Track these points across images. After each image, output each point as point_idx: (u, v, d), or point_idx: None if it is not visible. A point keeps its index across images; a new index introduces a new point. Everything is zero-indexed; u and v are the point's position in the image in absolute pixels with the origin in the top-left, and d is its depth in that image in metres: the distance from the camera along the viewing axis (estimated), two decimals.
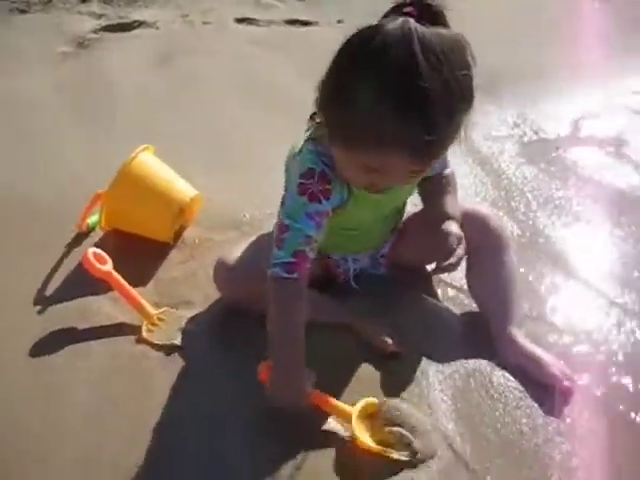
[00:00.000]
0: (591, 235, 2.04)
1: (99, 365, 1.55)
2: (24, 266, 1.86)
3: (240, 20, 3.43)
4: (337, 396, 1.41)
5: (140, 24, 3.28)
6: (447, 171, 1.63)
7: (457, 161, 2.21)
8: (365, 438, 1.33)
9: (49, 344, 1.61)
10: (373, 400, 1.39)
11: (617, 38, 3.17)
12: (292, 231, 1.38)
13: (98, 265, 1.67)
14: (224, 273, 1.62)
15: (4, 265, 1.86)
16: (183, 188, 1.93)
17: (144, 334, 1.62)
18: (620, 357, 1.59)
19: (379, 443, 1.32)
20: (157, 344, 1.60)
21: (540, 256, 1.91)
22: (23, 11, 3.42)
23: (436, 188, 1.58)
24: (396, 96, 1.15)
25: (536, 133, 2.57)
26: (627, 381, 1.54)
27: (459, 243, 1.45)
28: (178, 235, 1.94)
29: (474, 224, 1.58)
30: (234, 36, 3.28)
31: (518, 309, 1.62)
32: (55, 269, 1.84)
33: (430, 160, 1.29)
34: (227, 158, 2.30)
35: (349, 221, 1.53)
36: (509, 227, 2.01)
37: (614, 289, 1.80)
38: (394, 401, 1.40)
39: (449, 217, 1.51)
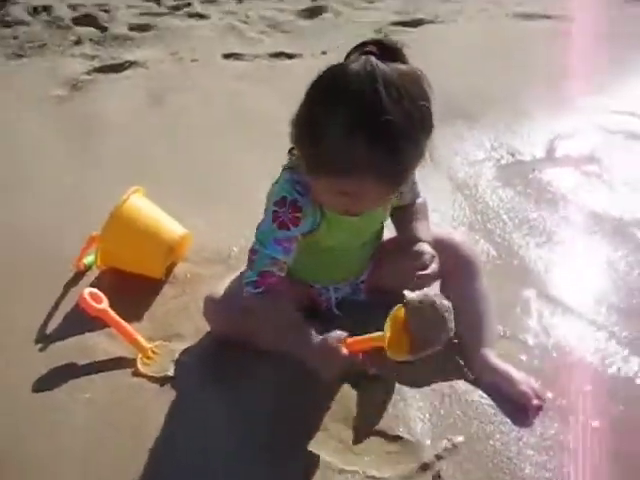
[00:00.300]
0: (565, 255, 2.10)
1: (99, 399, 1.62)
2: (25, 306, 1.92)
3: (227, 55, 3.52)
4: (313, 414, 1.52)
5: (131, 64, 3.37)
6: (419, 200, 1.72)
7: (436, 186, 2.29)
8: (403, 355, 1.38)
9: (51, 380, 1.67)
10: (397, 307, 1.40)
11: (593, 58, 3.23)
12: (260, 254, 1.51)
13: (94, 304, 1.75)
14: (212, 306, 1.70)
15: (7, 305, 1.92)
16: (172, 227, 2.01)
17: (139, 367, 1.70)
18: (592, 372, 1.67)
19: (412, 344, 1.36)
20: (152, 376, 1.67)
21: (515, 277, 1.99)
22: (20, 55, 3.52)
23: (408, 216, 1.68)
24: (364, 130, 1.27)
25: (512, 155, 2.62)
26: (597, 395, 1.60)
27: (432, 260, 1.54)
28: (169, 271, 2.01)
29: (447, 251, 1.66)
30: (222, 72, 3.37)
31: (491, 333, 1.69)
32: (55, 308, 1.91)
33: (400, 183, 1.40)
34: (217, 194, 2.37)
35: (325, 242, 1.61)
36: (485, 249, 2.09)
37: (587, 308, 1.87)
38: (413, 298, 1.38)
39: (421, 240, 1.60)
